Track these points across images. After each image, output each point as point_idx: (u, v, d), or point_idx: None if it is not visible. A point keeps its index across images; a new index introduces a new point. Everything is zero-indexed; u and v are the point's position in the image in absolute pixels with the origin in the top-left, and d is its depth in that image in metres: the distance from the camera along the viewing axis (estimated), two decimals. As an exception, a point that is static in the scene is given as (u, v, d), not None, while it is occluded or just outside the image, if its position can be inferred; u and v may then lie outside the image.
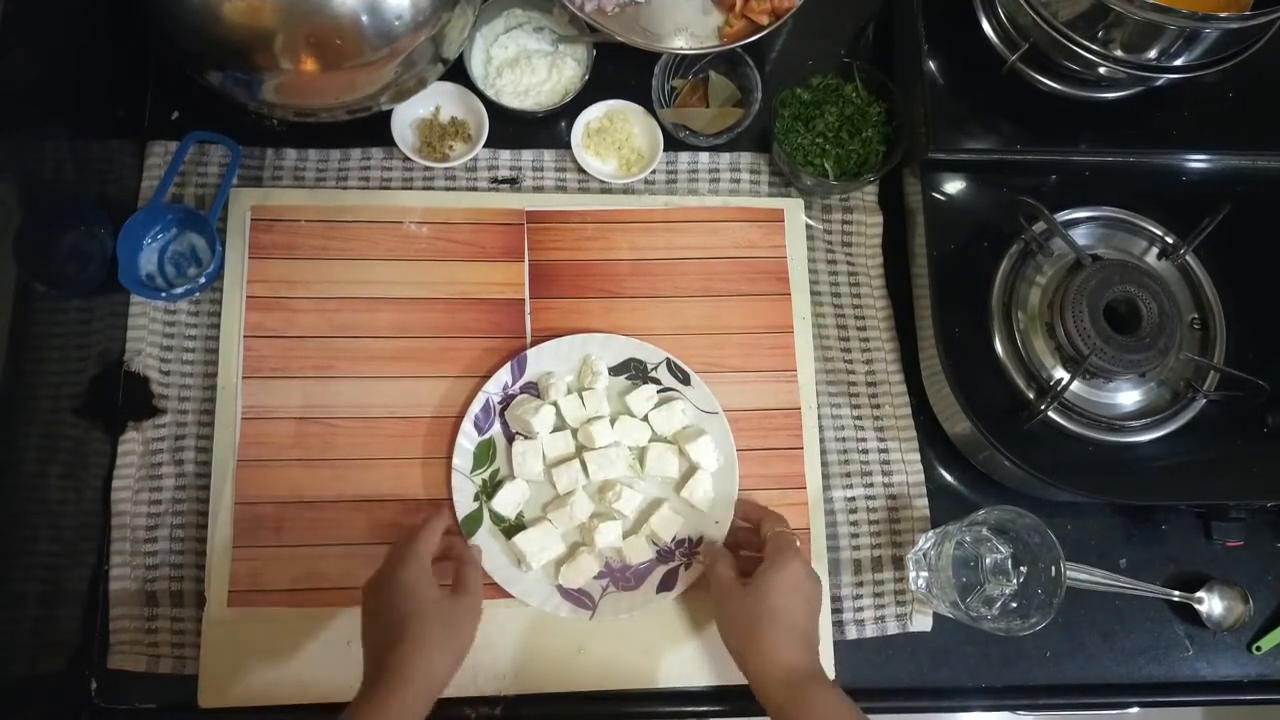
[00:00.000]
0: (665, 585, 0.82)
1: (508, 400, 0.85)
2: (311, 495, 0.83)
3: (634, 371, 0.87)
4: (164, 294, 0.84)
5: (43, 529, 0.74)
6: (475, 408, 0.84)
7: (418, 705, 0.68)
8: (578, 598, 0.81)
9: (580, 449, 0.85)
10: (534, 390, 0.86)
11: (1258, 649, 0.88)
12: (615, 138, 0.94)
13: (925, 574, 0.83)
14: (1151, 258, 0.90)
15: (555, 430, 0.85)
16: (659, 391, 0.87)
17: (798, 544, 0.79)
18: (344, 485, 0.83)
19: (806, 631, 0.75)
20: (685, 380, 0.87)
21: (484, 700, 0.80)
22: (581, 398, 0.85)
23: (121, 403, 0.84)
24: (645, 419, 0.86)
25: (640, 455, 0.85)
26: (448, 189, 0.92)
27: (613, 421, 0.85)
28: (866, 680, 0.85)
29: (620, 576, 0.83)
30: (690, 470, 0.85)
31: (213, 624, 0.79)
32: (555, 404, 0.85)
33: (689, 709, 0.83)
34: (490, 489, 0.83)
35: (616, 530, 0.83)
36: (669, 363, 0.87)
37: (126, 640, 0.79)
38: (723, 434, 0.86)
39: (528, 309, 0.89)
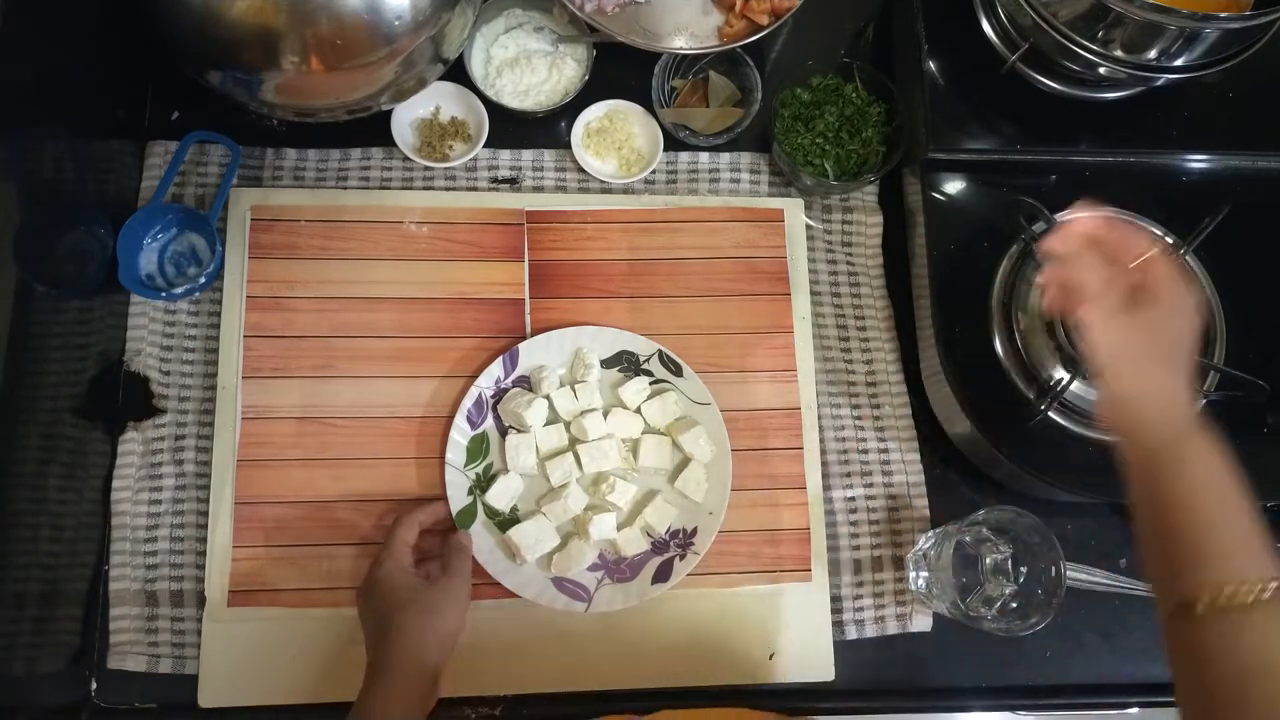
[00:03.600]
0: (660, 576, 0.82)
1: (500, 394, 0.86)
2: (312, 495, 0.83)
3: (626, 364, 0.87)
4: (164, 294, 0.84)
5: (43, 529, 0.74)
6: (468, 402, 0.84)
7: (410, 693, 0.69)
8: (573, 590, 0.82)
9: (573, 442, 0.85)
10: (526, 384, 0.86)
11: (1258, 649, 0.88)
12: (615, 138, 0.94)
13: (925, 574, 0.83)
14: (1151, 258, 0.90)
15: (548, 423, 0.85)
16: (651, 383, 0.87)
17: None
18: (344, 485, 0.83)
19: (1186, 371, 0.65)
20: (677, 372, 0.87)
21: (484, 700, 0.80)
22: (574, 391, 0.85)
23: (121, 403, 0.84)
24: (638, 411, 0.86)
25: (633, 447, 0.85)
26: (448, 189, 0.92)
27: (605, 414, 0.85)
28: (866, 680, 0.84)
29: (615, 569, 0.83)
30: (684, 462, 0.86)
31: (213, 624, 0.79)
32: (548, 397, 0.85)
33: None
34: (484, 483, 0.83)
35: (611, 522, 0.83)
36: (661, 354, 0.87)
37: (126, 640, 0.79)
38: (715, 425, 0.86)
39: (528, 309, 0.89)
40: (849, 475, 0.89)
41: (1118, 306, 0.66)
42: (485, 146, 0.91)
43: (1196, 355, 0.67)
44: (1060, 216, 0.76)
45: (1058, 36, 0.81)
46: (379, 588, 0.74)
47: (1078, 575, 0.85)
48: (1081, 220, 0.70)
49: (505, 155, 0.93)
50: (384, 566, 0.75)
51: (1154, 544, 0.63)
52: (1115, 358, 0.65)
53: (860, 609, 0.86)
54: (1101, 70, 0.83)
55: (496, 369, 0.85)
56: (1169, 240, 0.89)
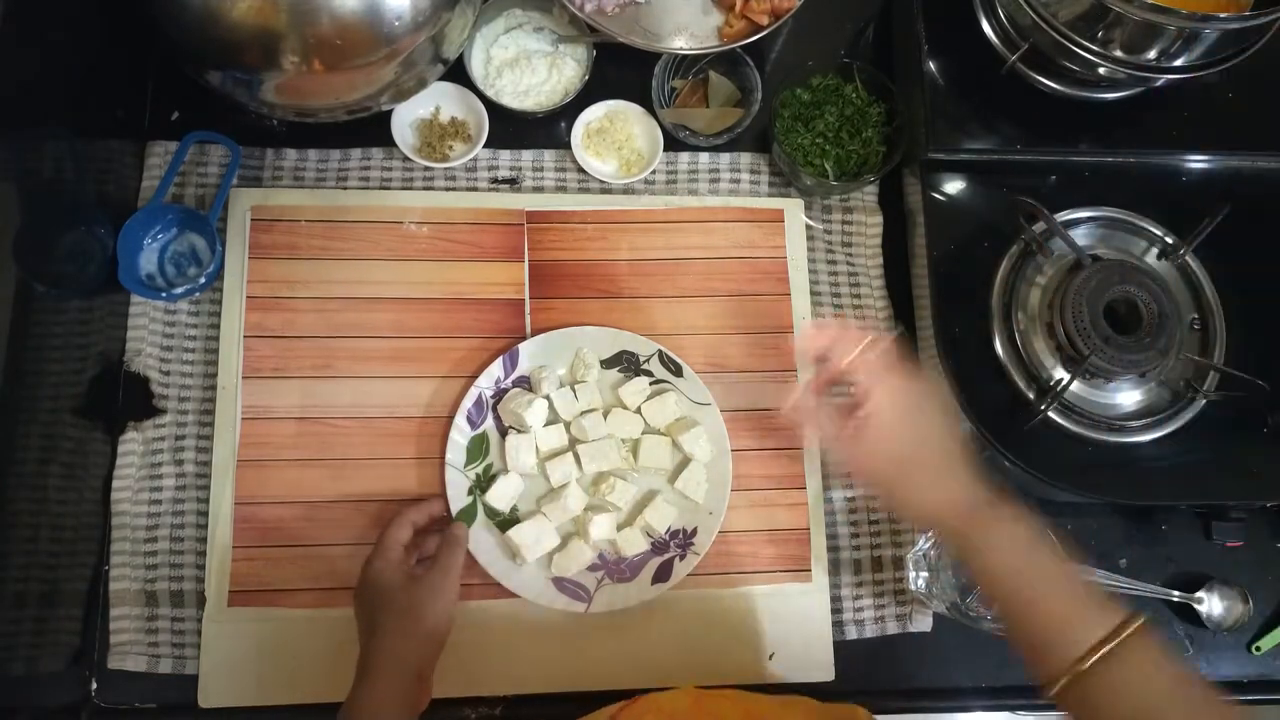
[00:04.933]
0: (660, 577, 0.82)
1: (500, 394, 0.86)
2: (312, 495, 0.83)
3: (626, 364, 0.87)
4: (164, 294, 0.84)
5: (43, 529, 0.74)
6: (468, 402, 0.84)
7: (390, 691, 0.69)
8: (573, 590, 0.82)
9: (573, 442, 0.85)
10: (526, 384, 0.86)
11: (1257, 649, 0.88)
12: (615, 138, 0.94)
13: (925, 574, 0.83)
14: (1151, 258, 0.90)
15: (548, 424, 0.85)
16: (651, 384, 0.87)
17: (888, 348, 0.68)
18: (344, 485, 0.83)
19: (945, 457, 0.66)
20: (677, 372, 0.87)
21: (484, 700, 0.80)
22: (574, 391, 0.85)
23: (121, 403, 0.84)
24: (638, 411, 0.86)
25: (633, 447, 0.85)
26: (448, 189, 0.92)
27: (605, 414, 0.85)
28: (866, 680, 0.84)
29: (615, 569, 0.83)
30: (683, 462, 0.86)
31: (213, 624, 0.79)
32: (548, 397, 0.85)
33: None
34: (484, 483, 0.83)
35: (610, 522, 0.83)
36: (661, 355, 0.87)
37: (126, 640, 0.79)
38: (715, 425, 0.86)
39: (528, 309, 0.89)
40: (849, 475, 0.89)
41: (852, 435, 0.67)
42: (485, 147, 0.91)
43: (953, 433, 0.67)
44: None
45: (1057, 37, 0.81)
46: (368, 587, 0.74)
47: (1078, 575, 0.85)
48: (801, 337, 0.74)
49: (505, 155, 0.93)
50: (374, 565, 0.75)
51: (1003, 624, 0.64)
52: (872, 485, 0.68)
53: (860, 609, 0.86)
54: (1101, 70, 0.83)
55: (496, 369, 0.85)
56: (1169, 240, 0.89)
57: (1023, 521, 0.64)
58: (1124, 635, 0.58)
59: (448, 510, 0.82)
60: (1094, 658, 0.57)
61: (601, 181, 0.93)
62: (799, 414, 0.73)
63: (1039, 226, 0.86)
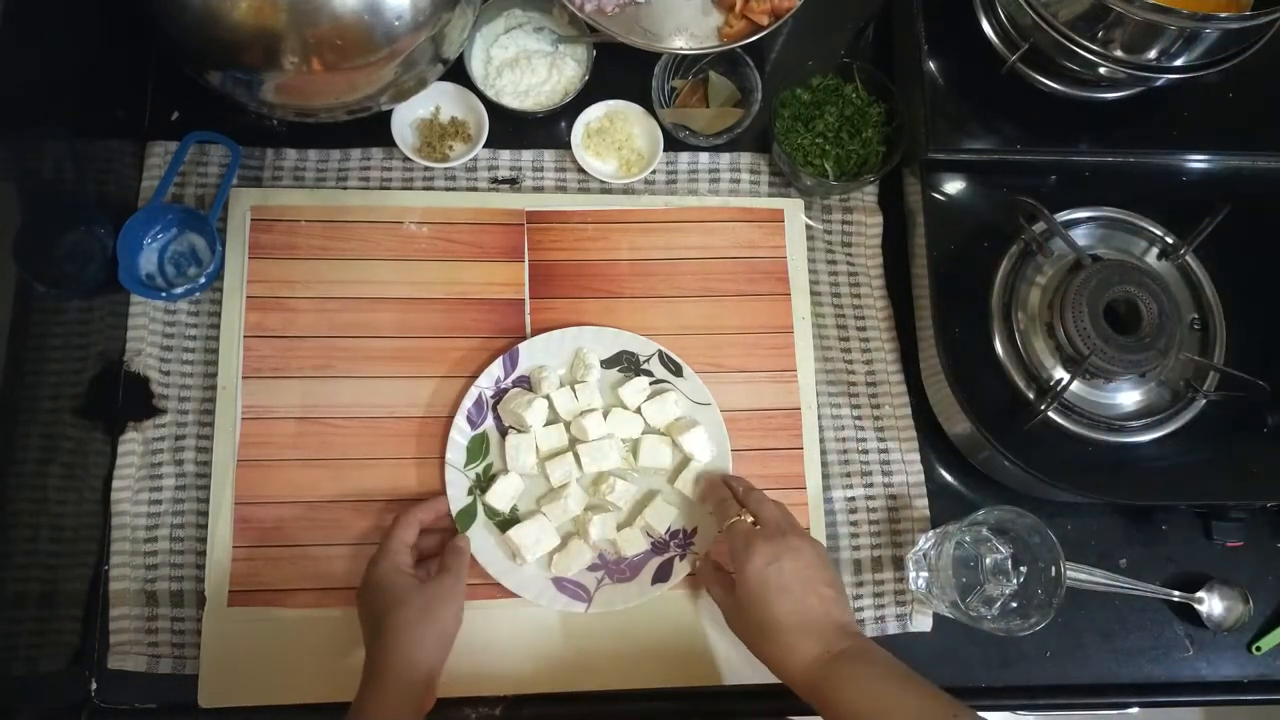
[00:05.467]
0: (660, 576, 0.82)
1: (500, 394, 0.86)
2: (312, 495, 0.83)
3: (626, 364, 0.87)
4: (164, 294, 0.84)
5: (43, 529, 0.74)
6: (468, 402, 0.84)
7: (401, 694, 0.69)
8: (573, 590, 0.82)
9: (573, 442, 0.85)
10: (526, 384, 0.86)
11: (1258, 649, 0.88)
12: (615, 138, 0.94)
13: (925, 574, 0.83)
14: (1151, 258, 0.90)
15: (548, 424, 0.85)
16: (651, 384, 0.87)
17: (749, 523, 0.76)
18: (344, 485, 0.83)
19: (803, 619, 0.71)
20: (677, 372, 0.87)
21: (484, 700, 0.80)
22: (574, 391, 0.85)
23: (121, 403, 0.84)
24: (638, 411, 0.86)
25: (633, 447, 0.85)
26: (448, 189, 0.92)
27: (605, 414, 0.85)
28: (866, 680, 0.84)
29: (615, 569, 0.83)
30: (684, 462, 0.86)
31: (213, 624, 0.79)
32: (548, 397, 0.85)
33: (689, 708, 0.82)
34: (484, 483, 0.83)
35: (610, 522, 0.83)
36: (661, 355, 0.87)
37: (126, 640, 0.79)
38: (715, 425, 0.86)
39: (528, 309, 0.89)
40: (849, 475, 0.89)
41: (727, 603, 0.76)
42: (485, 146, 0.91)
43: (816, 592, 0.71)
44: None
45: (1057, 36, 0.81)
46: (373, 588, 0.74)
47: (1078, 575, 0.85)
48: (710, 485, 0.83)
49: (505, 155, 0.93)
50: (379, 566, 0.74)
51: None
52: (742, 642, 0.74)
53: (860, 609, 0.86)
54: (1101, 70, 0.83)
55: (496, 369, 0.85)
56: (1169, 240, 0.89)
57: (878, 665, 0.68)
58: None
59: (450, 518, 0.82)
60: None
61: (601, 181, 0.93)
62: (701, 578, 0.81)
63: (1039, 226, 0.86)
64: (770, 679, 0.82)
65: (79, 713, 0.78)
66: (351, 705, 0.69)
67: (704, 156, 0.96)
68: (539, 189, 0.93)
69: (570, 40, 0.95)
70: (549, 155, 0.94)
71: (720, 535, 0.79)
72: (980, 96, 0.91)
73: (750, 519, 0.77)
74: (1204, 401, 0.85)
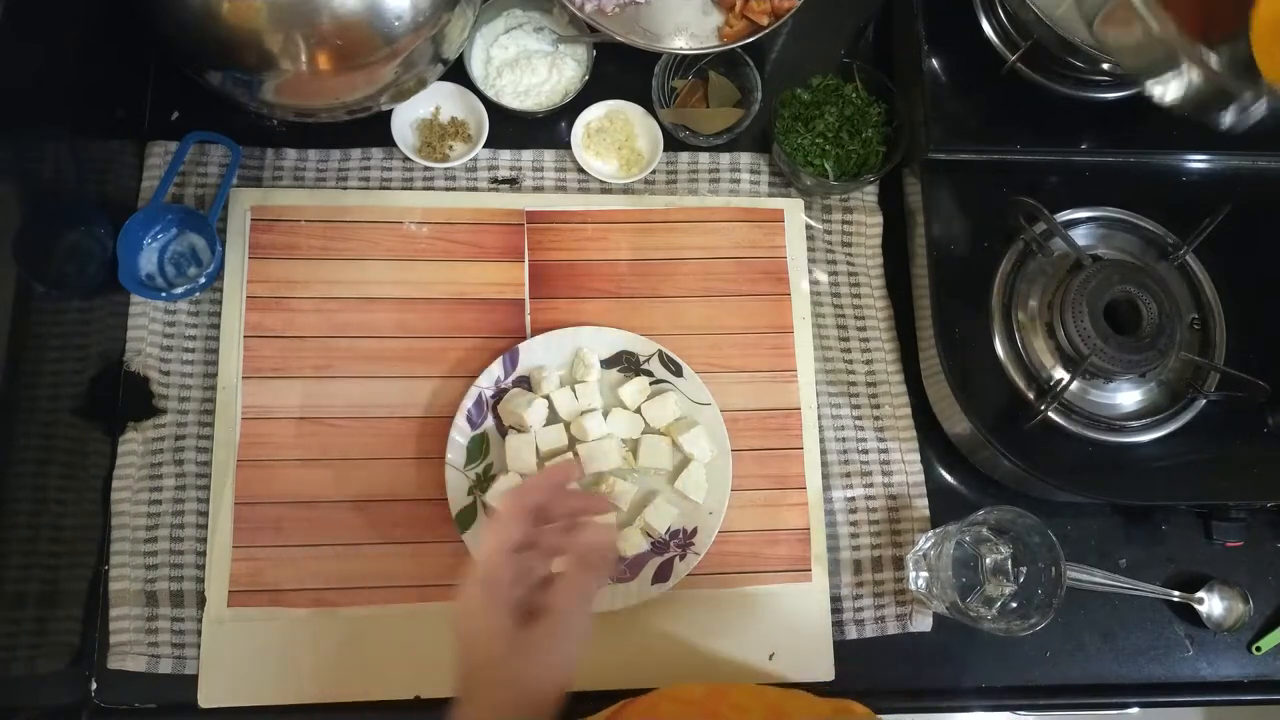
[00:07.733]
0: (660, 577, 0.82)
1: (500, 394, 0.86)
2: (312, 495, 0.83)
3: (626, 364, 0.87)
4: (164, 294, 0.84)
5: (42, 529, 0.74)
6: (468, 402, 0.84)
7: None
8: None
9: (573, 442, 0.85)
10: (526, 384, 0.86)
11: (1258, 649, 0.88)
12: (615, 138, 0.94)
13: (925, 574, 0.83)
14: (1151, 258, 0.90)
15: (548, 424, 0.85)
16: (651, 383, 0.87)
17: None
18: (344, 485, 0.83)
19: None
20: (677, 372, 0.87)
21: (484, 700, 0.80)
22: (574, 391, 0.85)
23: (121, 403, 0.84)
24: (638, 411, 0.86)
25: (633, 447, 0.85)
26: (448, 189, 0.92)
27: (605, 414, 0.85)
28: (866, 680, 0.84)
29: (615, 569, 0.83)
30: (683, 462, 0.86)
31: (213, 624, 0.79)
32: (548, 397, 0.85)
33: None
34: (484, 483, 0.83)
35: (610, 523, 0.83)
36: (661, 355, 0.87)
37: (126, 640, 0.79)
38: (715, 425, 0.86)
39: (528, 309, 0.89)
40: (849, 475, 0.89)
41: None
42: (485, 147, 0.91)
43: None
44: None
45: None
46: (459, 614, 0.57)
47: (1078, 575, 0.85)
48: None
49: (505, 155, 0.93)
50: (470, 594, 0.57)
51: None
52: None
53: (860, 609, 0.86)
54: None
55: (496, 369, 0.85)
56: (1169, 240, 0.89)
57: None
58: None
59: (581, 473, 0.72)
60: None
61: (601, 181, 0.93)
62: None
63: (1039, 226, 0.86)
64: (770, 679, 0.83)
65: (79, 713, 0.78)
66: None
67: (704, 156, 0.96)
68: (539, 189, 0.93)
69: (570, 40, 0.95)
70: (549, 155, 0.94)
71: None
72: (980, 96, 0.91)
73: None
74: (1204, 401, 0.85)
